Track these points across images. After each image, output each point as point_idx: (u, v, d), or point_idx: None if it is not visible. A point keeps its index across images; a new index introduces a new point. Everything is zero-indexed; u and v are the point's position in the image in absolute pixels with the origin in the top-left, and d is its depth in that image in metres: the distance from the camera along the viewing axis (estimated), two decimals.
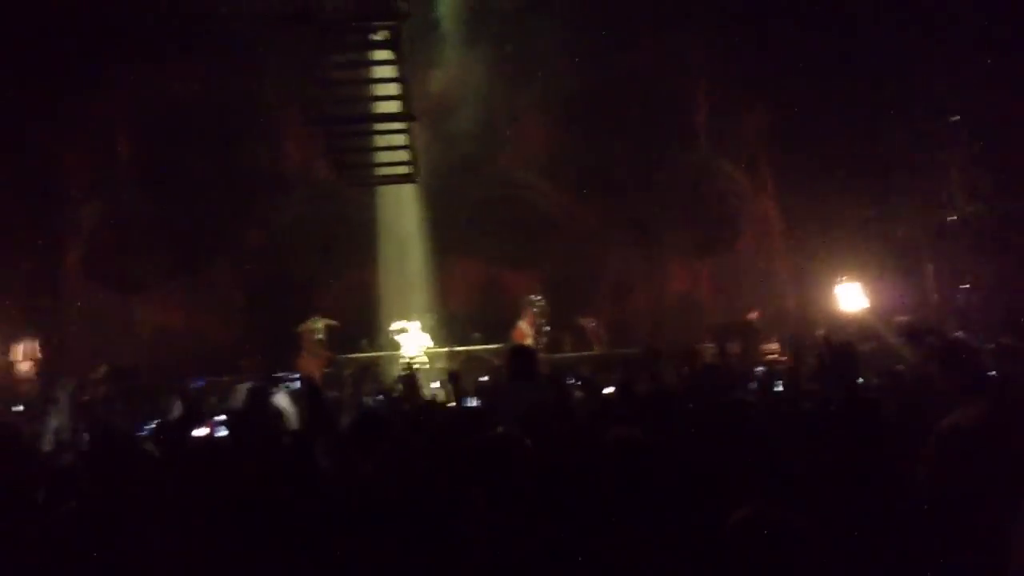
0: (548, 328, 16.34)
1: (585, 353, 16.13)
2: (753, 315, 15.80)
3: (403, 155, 13.32)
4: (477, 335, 16.42)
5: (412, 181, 14.36)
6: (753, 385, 7.66)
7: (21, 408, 11.09)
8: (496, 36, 16.56)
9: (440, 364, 15.25)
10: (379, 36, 11.50)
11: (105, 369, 15.14)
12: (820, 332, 15.04)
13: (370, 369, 14.72)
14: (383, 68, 12.18)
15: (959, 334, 8.03)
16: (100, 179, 17.80)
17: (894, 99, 15.68)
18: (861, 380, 6.30)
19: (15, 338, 15.72)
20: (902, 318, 14.04)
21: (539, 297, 16.35)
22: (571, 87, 17.41)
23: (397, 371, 12.84)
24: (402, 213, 17.11)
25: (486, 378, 11.50)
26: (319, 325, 16.38)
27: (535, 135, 18.40)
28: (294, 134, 17.96)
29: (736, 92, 17.78)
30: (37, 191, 16.66)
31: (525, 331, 15.73)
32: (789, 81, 16.28)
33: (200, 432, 6.06)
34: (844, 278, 15.81)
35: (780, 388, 6.79)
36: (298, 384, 8.48)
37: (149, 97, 17.60)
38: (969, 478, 3.46)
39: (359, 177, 14.89)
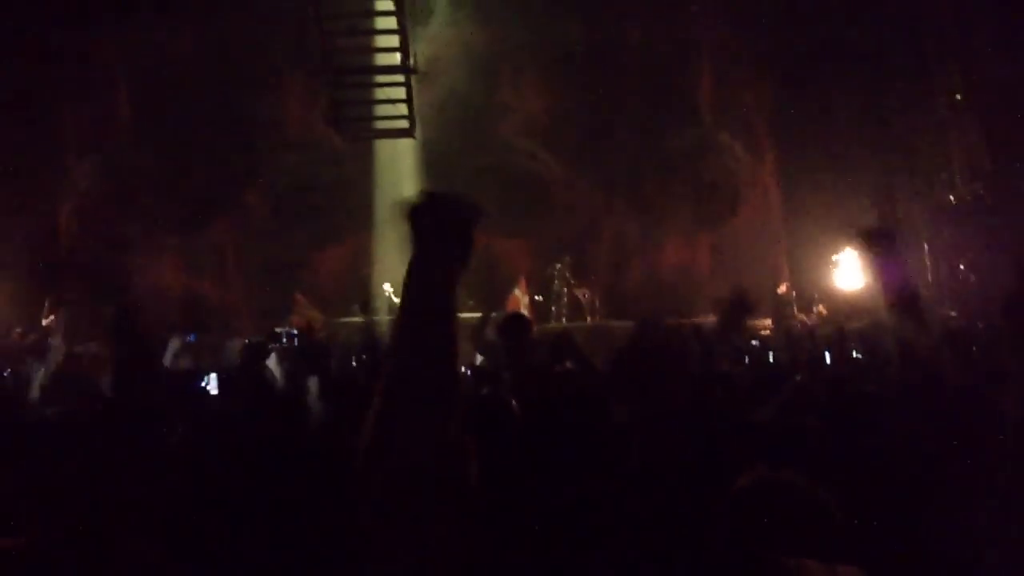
0: (540, 298, 16.37)
1: (578, 323, 16.10)
2: (782, 288, 15.80)
3: (401, 109, 13.29)
4: (470, 302, 16.37)
5: (410, 135, 14.33)
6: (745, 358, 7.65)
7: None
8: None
9: None
10: None
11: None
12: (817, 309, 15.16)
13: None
14: (384, 19, 12.12)
15: (952, 314, 8.02)
16: (97, 135, 17.64)
17: (897, 77, 15.59)
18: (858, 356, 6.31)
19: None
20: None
21: (560, 265, 16.48)
22: (575, 54, 17.30)
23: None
24: (400, 177, 17.01)
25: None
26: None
27: (536, 102, 18.26)
28: (295, 92, 17.84)
29: (739, 65, 17.68)
30: (34, 146, 16.51)
31: (520, 299, 15.74)
32: (793, 56, 16.18)
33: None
34: (842, 255, 15.83)
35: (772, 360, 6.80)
36: (290, 341, 8.42)
37: (148, 52, 17.42)
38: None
39: (357, 130, 14.84)
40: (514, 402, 3.95)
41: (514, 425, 3.77)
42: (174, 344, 9.21)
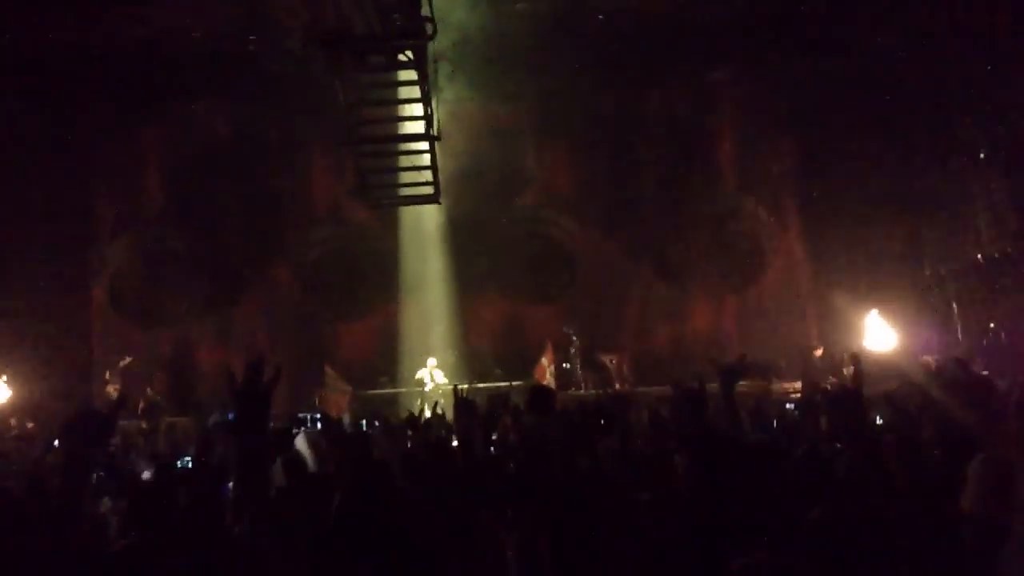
0: (567, 365, 16.33)
1: (607, 390, 16.05)
2: (818, 352, 15.72)
3: (426, 176, 13.49)
4: (499, 371, 16.44)
5: (435, 201, 14.51)
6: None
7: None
8: (523, 69, 16.38)
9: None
10: (405, 56, 11.63)
11: (143, 405, 15.34)
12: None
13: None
14: (409, 89, 12.35)
15: (984, 373, 7.93)
16: (129, 215, 17.99)
17: (923, 137, 15.63)
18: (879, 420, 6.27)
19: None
20: (930, 358, 13.92)
21: (573, 332, 16.49)
22: (598, 122, 17.48)
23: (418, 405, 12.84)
24: (425, 249, 17.17)
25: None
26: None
27: (561, 170, 18.43)
28: (322, 168, 18.14)
29: (763, 129, 17.79)
30: (68, 226, 16.85)
31: (546, 367, 15.75)
32: (816, 118, 16.29)
33: None
34: (871, 316, 15.72)
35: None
36: (314, 425, 8.46)
37: (179, 135, 17.86)
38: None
39: (383, 198, 15.04)
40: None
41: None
42: (214, 419, 9.29)
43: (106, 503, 5.38)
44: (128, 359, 16.25)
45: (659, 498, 4.15)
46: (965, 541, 3.54)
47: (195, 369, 17.76)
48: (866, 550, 3.70)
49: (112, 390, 15.76)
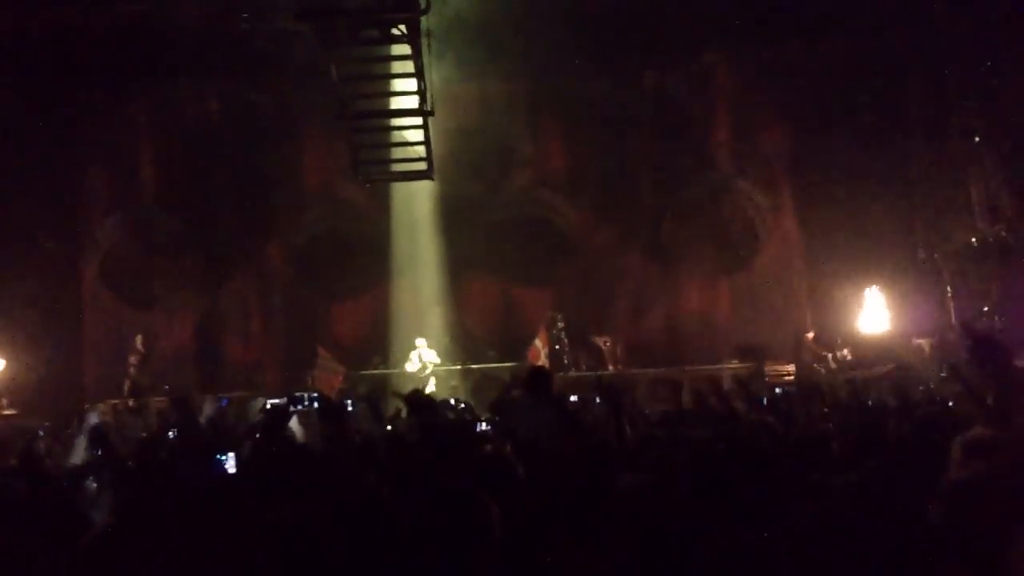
0: (558, 347, 16.28)
1: (599, 372, 16.02)
2: (810, 335, 15.74)
3: (419, 151, 13.42)
4: (492, 353, 16.42)
5: (428, 177, 14.41)
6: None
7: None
8: (517, 48, 16.18)
9: (454, 381, 15.22)
10: (398, 30, 11.53)
11: (128, 385, 15.31)
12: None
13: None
14: (402, 63, 12.27)
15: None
16: (120, 194, 17.84)
17: (919, 120, 15.59)
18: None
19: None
20: (924, 341, 13.97)
21: (558, 313, 16.43)
22: (592, 103, 17.37)
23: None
24: (417, 230, 17.06)
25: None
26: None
27: (554, 152, 18.32)
28: (314, 147, 17.98)
29: (757, 109, 17.70)
30: (59, 205, 16.72)
31: (540, 349, 15.73)
32: (810, 99, 16.23)
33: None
34: (865, 299, 15.74)
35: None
36: (311, 404, 8.41)
37: (170, 114, 17.71)
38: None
39: (376, 174, 14.95)
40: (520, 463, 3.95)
41: (519, 486, 3.77)
42: (208, 408, 9.28)
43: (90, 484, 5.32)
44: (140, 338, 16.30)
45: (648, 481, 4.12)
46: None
47: (221, 350, 17.75)
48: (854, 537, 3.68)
49: (134, 360, 15.77)
